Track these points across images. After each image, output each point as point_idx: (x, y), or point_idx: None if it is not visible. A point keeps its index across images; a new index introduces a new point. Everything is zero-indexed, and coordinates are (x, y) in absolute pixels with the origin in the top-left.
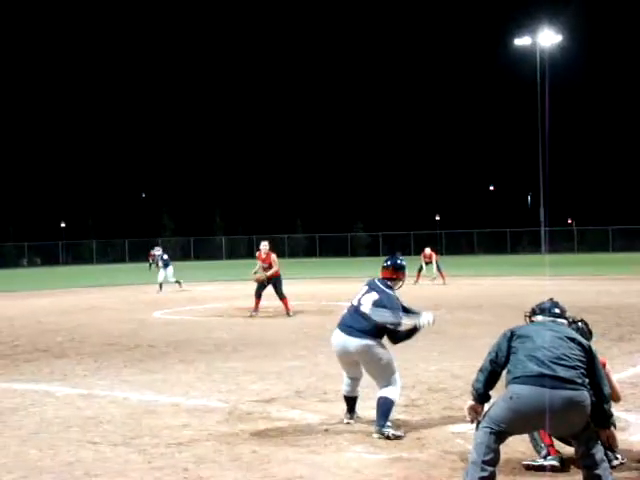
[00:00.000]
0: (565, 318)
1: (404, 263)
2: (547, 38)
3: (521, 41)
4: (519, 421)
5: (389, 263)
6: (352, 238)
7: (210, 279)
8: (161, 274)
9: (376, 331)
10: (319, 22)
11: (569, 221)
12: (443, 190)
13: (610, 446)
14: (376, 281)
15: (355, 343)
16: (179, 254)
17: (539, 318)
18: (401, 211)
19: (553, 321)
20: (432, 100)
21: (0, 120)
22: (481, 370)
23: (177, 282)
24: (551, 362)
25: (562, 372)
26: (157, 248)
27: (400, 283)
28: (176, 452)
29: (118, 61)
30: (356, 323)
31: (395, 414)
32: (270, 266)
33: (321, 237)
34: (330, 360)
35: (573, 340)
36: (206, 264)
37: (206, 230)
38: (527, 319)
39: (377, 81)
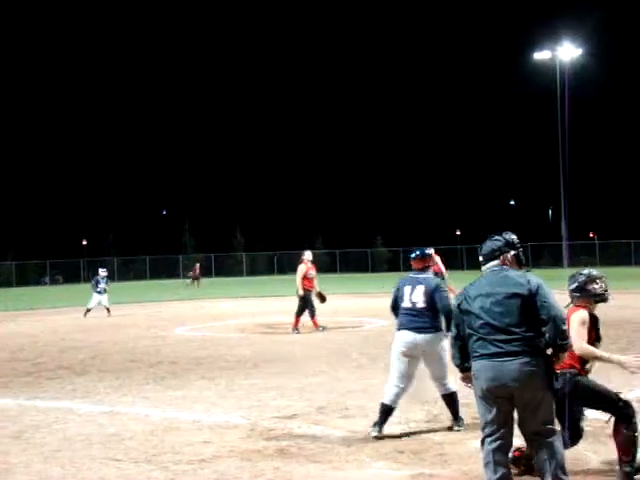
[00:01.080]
0: (505, 250)
1: (429, 251)
2: (567, 52)
3: (541, 55)
4: (491, 403)
5: (418, 253)
6: (372, 253)
7: (231, 296)
8: (95, 298)
9: (439, 323)
10: (344, 34)
11: (591, 234)
12: (463, 204)
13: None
14: (412, 275)
15: (427, 338)
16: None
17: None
18: (421, 226)
19: (492, 271)
20: (452, 114)
21: (21, 137)
22: (452, 345)
23: (107, 309)
24: (496, 340)
25: (509, 347)
26: (102, 270)
27: (431, 269)
28: (198, 469)
29: (142, 79)
30: (419, 321)
31: (417, 429)
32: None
33: (341, 252)
34: (352, 375)
35: (512, 297)
36: (227, 281)
37: (226, 247)
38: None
39: (397, 96)
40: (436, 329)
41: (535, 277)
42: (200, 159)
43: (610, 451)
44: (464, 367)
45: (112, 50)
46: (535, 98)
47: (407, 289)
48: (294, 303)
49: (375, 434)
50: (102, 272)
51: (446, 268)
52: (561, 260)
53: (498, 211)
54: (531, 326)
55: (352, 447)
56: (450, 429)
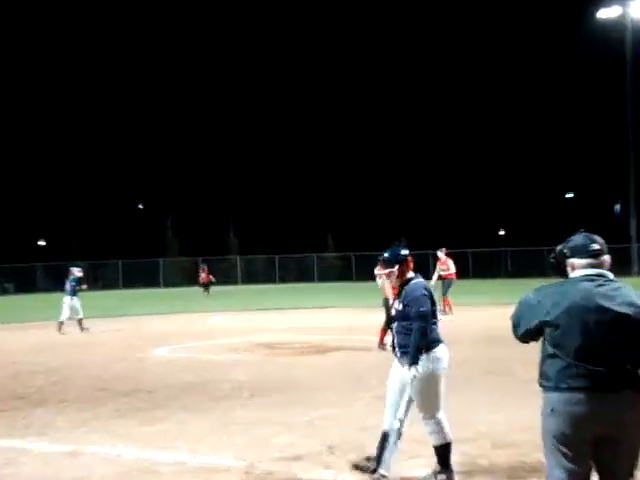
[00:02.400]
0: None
1: (404, 252)
2: None
3: (607, 12)
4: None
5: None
6: None
7: (223, 308)
8: (66, 309)
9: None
10: (355, 28)
11: None
12: (508, 199)
13: None
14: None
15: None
16: (185, 278)
17: (575, 263)
18: (455, 224)
19: (592, 279)
20: (497, 89)
21: None
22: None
23: (80, 321)
24: (594, 370)
25: (610, 379)
26: (77, 269)
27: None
28: None
29: (109, 57)
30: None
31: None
32: None
33: (357, 257)
34: (369, 407)
35: (622, 318)
36: (218, 290)
37: (218, 249)
38: (555, 269)
39: (433, 74)
40: None
41: None
42: (185, 143)
43: None
44: None
45: (90, 43)
46: (599, 66)
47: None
48: (298, 318)
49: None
50: (77, 272)
51: (456, 274)
52: (629, 266)
53: (551, 207)
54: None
55: None
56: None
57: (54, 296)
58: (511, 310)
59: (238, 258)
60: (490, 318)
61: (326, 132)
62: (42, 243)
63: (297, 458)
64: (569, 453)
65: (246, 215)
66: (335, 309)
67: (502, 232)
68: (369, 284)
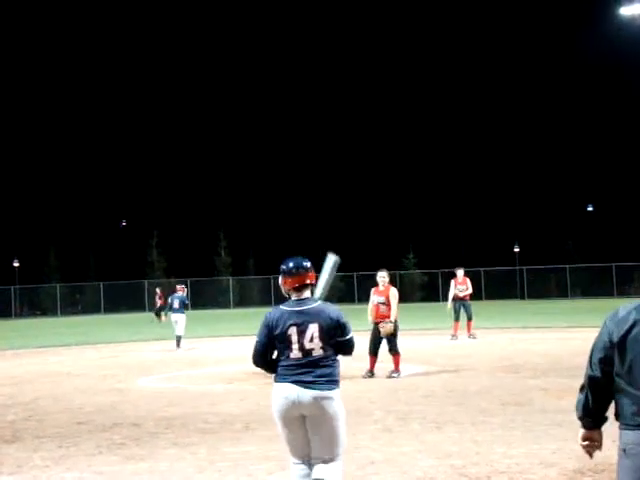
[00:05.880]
0: None
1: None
2: None
3: (629, 10)
4: None
5: (292, 265)
6: (403, 277)
7: (213, 334)
8: (182, 323)
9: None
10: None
11: None
12: (523, 213)
13: None
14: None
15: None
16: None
17: None
18: (467, 242)
19: None
20: (508, 94)
21: None
22: (585, 387)
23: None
24: None
25: None
26: (180, 287)
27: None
28: None
29: (90, 70)
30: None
31: None
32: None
33: (360, 276)
34: (374, 442)
35: None
36: (208, 314)
37: (208, 269)
38: None
39: (445, 88)
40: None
41: None
42: (171, 151)
43: None
44: (597, 419)
45: (74, 59)
46: (619, 67)
47: (292, 330)
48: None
49: None
50: (183, 290)
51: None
52: None
53: (571, 220)
54: None
55: None
56: None
57: (31, 322)
58: (529, 334)
59: (231, 279)
60: (506, 343)
61: (328, 139)
62: (16, 264)
63: None
64: None
65: (239, 231)
66: None
67: (517, 249)
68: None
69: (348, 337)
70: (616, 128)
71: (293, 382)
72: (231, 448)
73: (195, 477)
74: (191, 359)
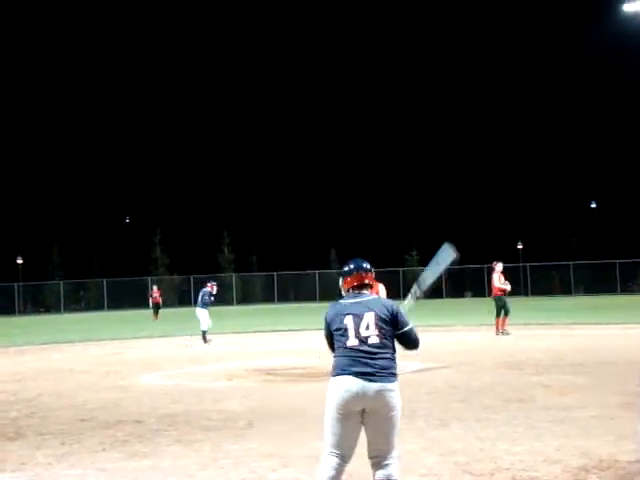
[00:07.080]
0: None
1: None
2: None
3: (632, 6)
4: None
5: (352, 267)
6: (405, 274)
7: (216, 331)
8: (205, 319)
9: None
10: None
11: None
12: (527, 210)
13: None
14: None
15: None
16: (176, 298)
17: None
18: (472, 238)
19: None
20: (511, 92)
21: None
22: None
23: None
24: None
25: None
26: (212, 283)
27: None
28: None
29: (92, 70)
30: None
31: None
32: None
33: None
34: None
35: None
36: (211, 310)
37: (211, 265)
38: None
39: (447, 89)
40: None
41: None
42: (175, 149)
43: None
44: None
45: (74, 57)
46: (622, 65)
47: (349, 319)
48: (299, 340)
49: None
50: (214, 287)
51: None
52: None
53: (574, 217)
54: None
55: None
56: None
57: (34, 319)
58: (532, 331)
59: (234, 276)
60: (509, 340)
61: (331, 137)
62: (20, 261)
63: None
64: None
65: (242, 228)
66: None
67: (520, 246)
68: None
69: (408, 327)
70: (619, 125)
71: (355, 375)
72: (234, 445)
73: (198, 474)
74: (193, 356)
